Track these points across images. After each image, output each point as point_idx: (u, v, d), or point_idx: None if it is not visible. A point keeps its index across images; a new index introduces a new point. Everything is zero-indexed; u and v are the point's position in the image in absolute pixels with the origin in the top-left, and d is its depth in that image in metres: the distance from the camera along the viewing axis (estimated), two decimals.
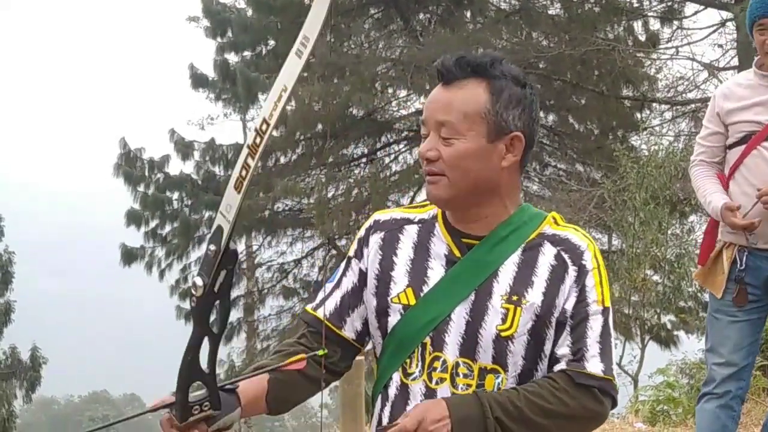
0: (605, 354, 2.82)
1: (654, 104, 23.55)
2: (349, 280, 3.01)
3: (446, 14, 24.57)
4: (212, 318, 2.61)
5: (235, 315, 28.21)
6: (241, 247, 28.42)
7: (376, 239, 3.01)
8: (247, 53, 27.43)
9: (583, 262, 2.86)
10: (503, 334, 2.80)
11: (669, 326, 23.06)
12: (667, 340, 23.11)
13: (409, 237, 2.98)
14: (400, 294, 2.90)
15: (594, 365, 2.79)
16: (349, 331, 2.98)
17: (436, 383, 2.84)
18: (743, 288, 5.44)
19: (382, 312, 2.93)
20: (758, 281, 5.42)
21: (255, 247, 28.44)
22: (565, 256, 2.87)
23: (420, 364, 2.86)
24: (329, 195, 25.32)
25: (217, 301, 2.58)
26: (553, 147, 25.58)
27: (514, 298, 2.82)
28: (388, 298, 2.92)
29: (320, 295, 3.04)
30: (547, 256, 2.87)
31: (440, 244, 2.93)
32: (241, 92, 25.99)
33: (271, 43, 26.93)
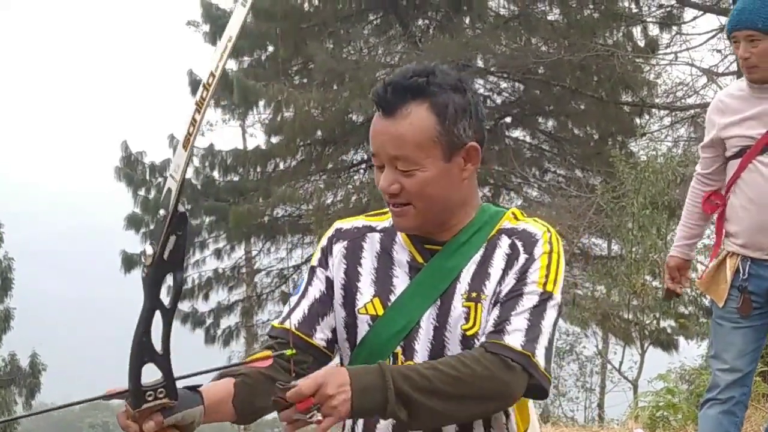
0: (531, 332, 2.70)
1: (653, 110, 23.56)
2: (316, 289, 2.96)
3: (445, 20, 24.58)
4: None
5: (233, 319, 28.21)
6: (240, 252, 28.45)
7: (339, 248, 2.98)
8: (246, 59, 27.41)
9: (534, 248, 2.81)
10: (468, 333, 2.77)
11: (669, 331, 23.06)
12: (667, 344, 23.10)
13: (371, 246, 2.96)
14: (367, 304, 2.87)
15: (513, 339, 2.68)
16: (319, 339, 2.91)
17: None
18: (747, 297, 5.45)
19: (350, 323, 2.90)
20: (761, 290, 5.43)
21: (254, 253, 28.45)
22: (518, 244, 2.83)
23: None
24: (328, 201, 25.33)
25: (170, 273, 2.45)
26: (552, 153, 25.61)
27: (473, 295, 2.79)
28: (355, 309, 2.89)
29: (286, 309, 2.97)
30: (503, 248, 2.84)
31: (402, 252, 2.91)
32: (238, 99, 25.96)
33: (270, 49, 26.93)
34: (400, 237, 2.93)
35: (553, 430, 11.12)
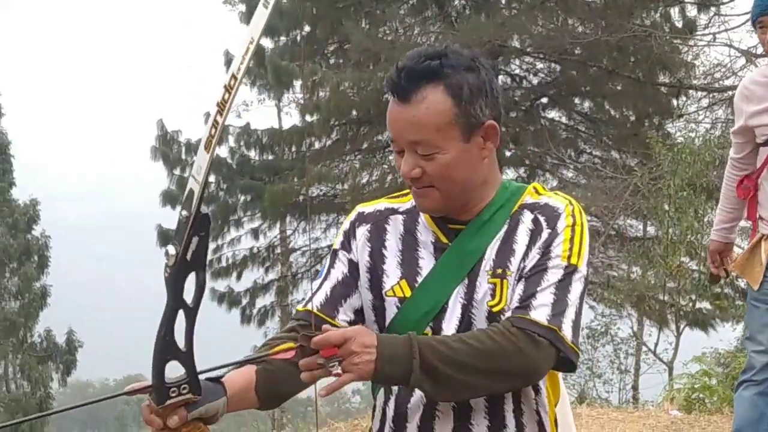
0: (557, 306, 2.70)
1: (691, 91, 23.42)
2: (338, 271, 2.96)
3: (481, 0, 24.48)
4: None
5: (269, 299, 28.28)
6: (275, 232, 28.49)
7: (362, 231, 2.98)
8: (282, 39, 27.40)
9: (557, 222, 2.80)
10: (494, 309, 2.77)
11: (705, 312, 22.95)
12: (703, 323, 22.99)
13: (395, 228, 2.96)
14: (395, 287, 2.87)
15: (539, 313, 2.67)
16: (342, 321, 2.90)
17: None
18: None
19: (378, 306, 2.90)
20: None
21: (289, 232, 28.50)
22: (541, 219, 2.82)
23: None
24: (363, 181, 25.32)
25: (192, 272, 2.47)
26: (588, 134, 25.49)
27: (499, 271, 2.79)
28: (383, 292, 2.89)
29: (309, 293, 2.98)
30: (525, 223, 2.83)
31: (426, 233, 2.90)
32: (272, 79, 25.95)
33: (307, 28, 26.89)
34: (423, 218, 2.93)
35: (589, 411, 11.10)
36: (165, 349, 2.49)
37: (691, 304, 21.81)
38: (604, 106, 25.18)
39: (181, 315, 2.48)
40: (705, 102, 23.22)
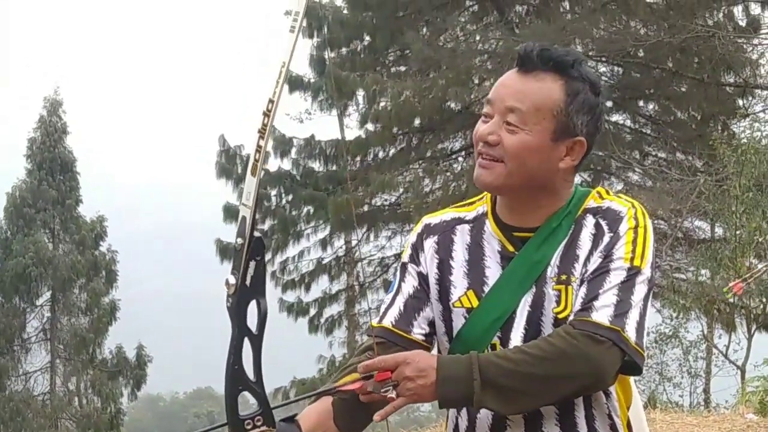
0: (620, 308, 2.66)
1: (756, 90, 23.20)
2: (409, 285, 2.96)
3: (542, 5, 24.42)
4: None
5: (336, 308, 28.34)
6: (340, 242, 28.55)
7: (430, 244, 2.97)
8: (342, 50, 27.48)
9: (619, 226, 2.78)
10: (560, 316, 2.75)
11: None
12: None
13: (462, 238, 2.95)
14: (462, 297, 2.87)
15: (601, 315, 2.64)
16: (417, 334, 2.90)
17: None
18: None
19: (447, 317, 2.89)
20: None
21: (354, 242, 28.55)
22: (603, 223, 2.81)
23: None
24: (427, 189, 25.32)
25: (254, 300, 2.50)
26: (653, 136, 25.32)
27: (563, 277, 2.77)
28: (450, 303, 2.89)
29: (382, 308, 2.98)
30: (588, 227, 2.82)
31: (493, 241, 2.89)
32: (332, 91, 26.05)
33: (367, 39, 26.94)
34: (489, 226, 2.92)
35: (662, 416, 11.01)
36: (236, 379, 2.51)
37: (761, 306, 21.57)
38: (668, 108, 25.02)
39: (246, 344, 2.51)
40: None
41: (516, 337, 2.78)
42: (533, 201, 2.84)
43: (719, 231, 22.13)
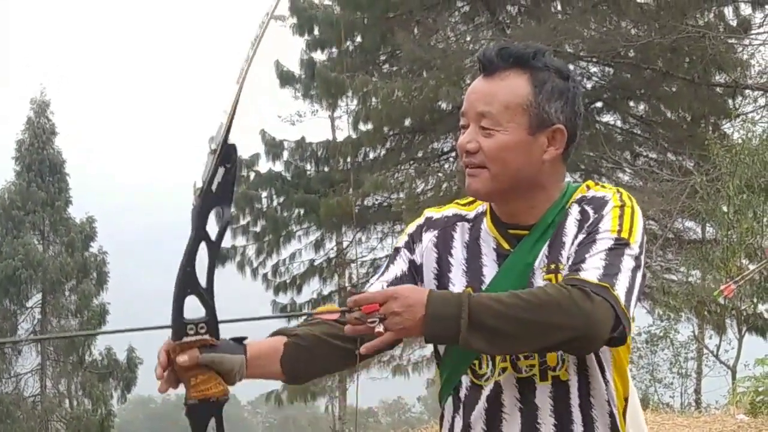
0: (608, 269, 2.64)
1: (747, 91, 23.23)
2: (398, 268, 2.98)
3: (533, 5, 24.43)
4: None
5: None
6: (332, 243, 28.53)
7: (429, 237, 2.98)
8: (333, 50, 27.46)
9: (604, 207, 2.78)
10: None
11: (766, 315, 22.76)
12: (764, 329, 22.80)
13: (461, 235, 2.96)
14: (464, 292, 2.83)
15: (590, 274, 2.62)
16: None
17: (498, 374, 2.81)
18: None
19: None
20: None
21: (345, 244, 28.53)
22: (588, 208, 2.81)
23: (491, 363, 2.82)
24: (419, 189, 25.32)
25: (217, 206, 2.48)
26: (644, 136, 25.35)
27: (552, 266, 2.78)
28: None
29: (366, 286, 3.00)
30: (573, 215, 2.82)
31: (489, 239, 2.90)
32: (322, 91, 26.05)
33: (358, 39, 26.93)
34: (486, 225, 2.92)
35: (653, 417, 11.01)
36: (186, 282, 2.47)
37: (751, 307, 21.62)
38: (659, 109, 25.05)
39: (203, 250, 2.48)
40: (762, 101, 23.04)
41: None
42: (525, 201, 2.84)
43: (710, 231, 22.16)
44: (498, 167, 2.78)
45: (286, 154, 27.29)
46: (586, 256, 2.68)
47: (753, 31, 23.36)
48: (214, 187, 2.46)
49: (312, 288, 28.27)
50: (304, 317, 2.93)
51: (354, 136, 26.56)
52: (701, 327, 24.82)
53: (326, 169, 27.19)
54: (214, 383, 2.56)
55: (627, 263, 2.68)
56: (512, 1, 25.53)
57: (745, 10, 23.69)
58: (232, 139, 2.49)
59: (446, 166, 26.20)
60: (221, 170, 2.46)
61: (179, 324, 2.49)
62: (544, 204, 2.85)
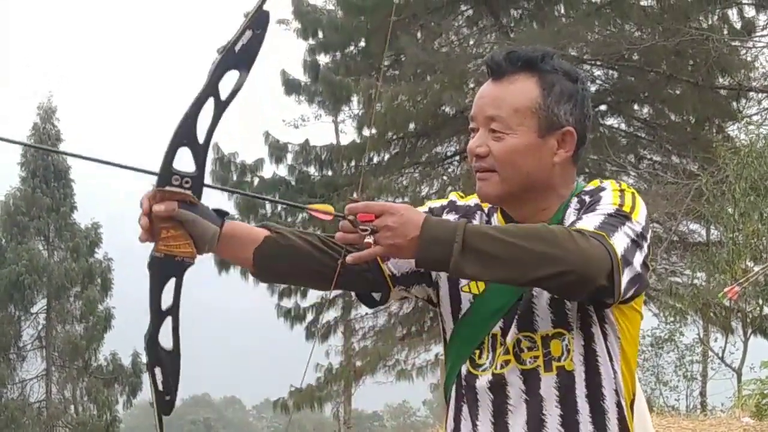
0: (605, 227, 2.64)
1: (751, 93, 23.20)
2: None
3: (537, 9, 24.43)
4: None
5: (332, 314, 28.29)
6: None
7: (451, 218, 2.98)
8: (337, 54, 27.45)
9: (602, 192, 2.79)
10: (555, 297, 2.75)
11: None
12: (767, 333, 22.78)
13: (478, 222, 2.95)
14: (470, 283, 2.88)
15: (586, 224, 2.64)
16: (388, 269, 2.92)
17: (501, 367, 2.81)
18: None
19: (455, 298, 2.92)
20: None
21: None
22: (585, 198, 2.82)
23: (491, 354, 2.83)
24: (423, 193, 25.30)
25: (235, 68, 2.45)
26: (648, 139, 25.32)
27: None
28: (459, 286, 2.91)
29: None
30: (572, 207, 2.84)
31: None
32: (325, 95, 26.05)
33: (362, 43, 26.93)
34: (496, 219, 2.94)
35: (659, 420, 10.99)
36: (183, 132, 2.45)
37: (757, 309, 21.59)
38: (663, 111, 25.02)
39: (210, 106, 2.46)
40: (766, 103, 23.03)
41: (516, 325, 2.80)
42: (536, 203, 2.85)
43: (715, 234, 22.14)
44: (508, 171, 2.79)
45: (290, 158, 27.25)
46: (584, 216, 2.71)
47: (757, 33, 23.35)
48: (237, 47, 2.43)
49: (316, 293, 28.24)
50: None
51: (357, 141, 26.58)
52: (706, 329, 24.79)
53: (330, 173, 27.16)
54: (183, 243, 2.54)
55: (626, 231, 2.68)
56: (516, 4, 25.52)
57: (749, 12, 23.68)
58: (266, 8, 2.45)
59: (450, 169, 26.19)
60: (248, 33, 2.42)
61: (166, 171, 2.46)
62: (555, 206, 2.86)
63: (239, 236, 2.77)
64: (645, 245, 2.74)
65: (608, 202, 2.74)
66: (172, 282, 2.58)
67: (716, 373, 24.75)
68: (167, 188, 2.47)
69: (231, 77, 2.48)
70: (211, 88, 2.43)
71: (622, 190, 2.79)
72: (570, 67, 2.87)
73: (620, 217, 2.70)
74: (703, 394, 24.80)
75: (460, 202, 3.03)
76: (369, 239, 2.51)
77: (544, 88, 2.79)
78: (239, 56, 2.43)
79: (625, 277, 2.62)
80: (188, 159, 2.50)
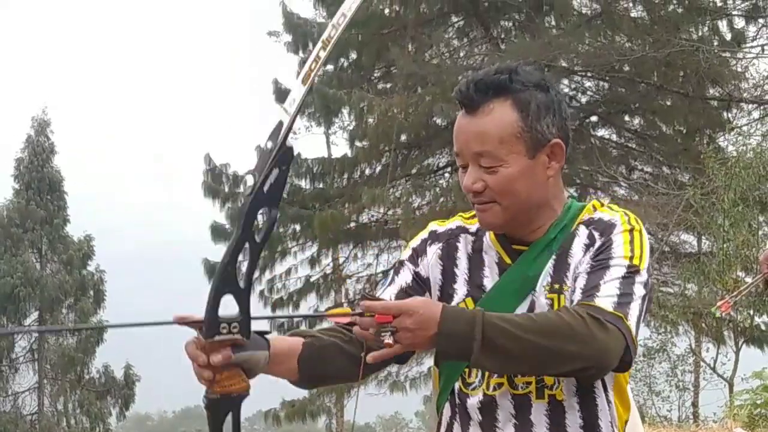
0: (622, 298, 2.64)
1: (741, 104, 23.26)
2: (403, 279, 2.97)
3: (527, 20, 24.46)
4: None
5: (325, 326, 28.24)
6: (327, 260, 28.50)
7: (434, 250, 2.98)
8: (329, 67, 27.46)
9: (613, 231, 2.78)
10: None
11: (763, 327, 22.75)
12: (761, 341, 22.79)
13: (465, 247, 2.96)
14: (460, 304, 2.87)
15: (605, 302, 2.62)
16: None
17: (494, 389, 2.81)
18: None
19: None
20: None
21: (342, 260, 28.49)
22: (595, 233, 2.80)
23: (480, 373, 2.83)
24: (414, 205, 25.30)
25: (266, 207, 2.46)
26: (639, 150, 25.36)
27: (556, 286, 2.77)
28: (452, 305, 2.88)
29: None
30: (581, 238, 2.81)
31: (492, 252, 2.91)
32: (318, 108, 26.06)
33: (353, 56, 26.95)
34: (488, 238, 2.92)
35: (651, 431, 11.01)
36: (224, 280, 2.45)
37: (749, 320, 21.62)
38: (654, 122, 25.05)
39: (246, 249, 2.47)
40: (756, 114, 23.07)
41: None
42: (532, 221, 2.85)
43: (706, 244, 22.18)
44: (509, 200, 2.79)
45: None
46: (600, 282, 2.68)
47: (747, 44, 23.41)
48: (266, 188, 2.43)
49: (309, 304, 28.19)
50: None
51: (349, 154, 26.59)
52: (698, 340, 24.80)
53: (321, 185, 27.17)
54: (238, 379, 2.55)
55: (638, 291, 2.69)
56: (506, 16, 25.57)
57: (739, 23, 23.75)
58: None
59: (441, 181, 26.19)
60: (275, 171, 2.43)
61: (214, 321, 2.47)
62: (547, 223, 2.86)
63: (283, 352, 2.75)
64: (650, 288, 2.77)
65: (620, 254, 2.72)
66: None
67: (708, 384, 24.77)
68: (217, 338, 2.48)
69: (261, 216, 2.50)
70: (246, 233, 2.46)
71: (631, 230, 2.78)
72: (538, 77, 2.84)
73: (632, 275, 2.70)
74: (695, 404, 24.81)
75: (441, 229, 3.02)
76: (389, 340, 2.51)
77: (521, 109, 2.77)
78: (268, 196, 2.45)
79: (636, 346, 2.67)
80: (232, 304, 2.51)
